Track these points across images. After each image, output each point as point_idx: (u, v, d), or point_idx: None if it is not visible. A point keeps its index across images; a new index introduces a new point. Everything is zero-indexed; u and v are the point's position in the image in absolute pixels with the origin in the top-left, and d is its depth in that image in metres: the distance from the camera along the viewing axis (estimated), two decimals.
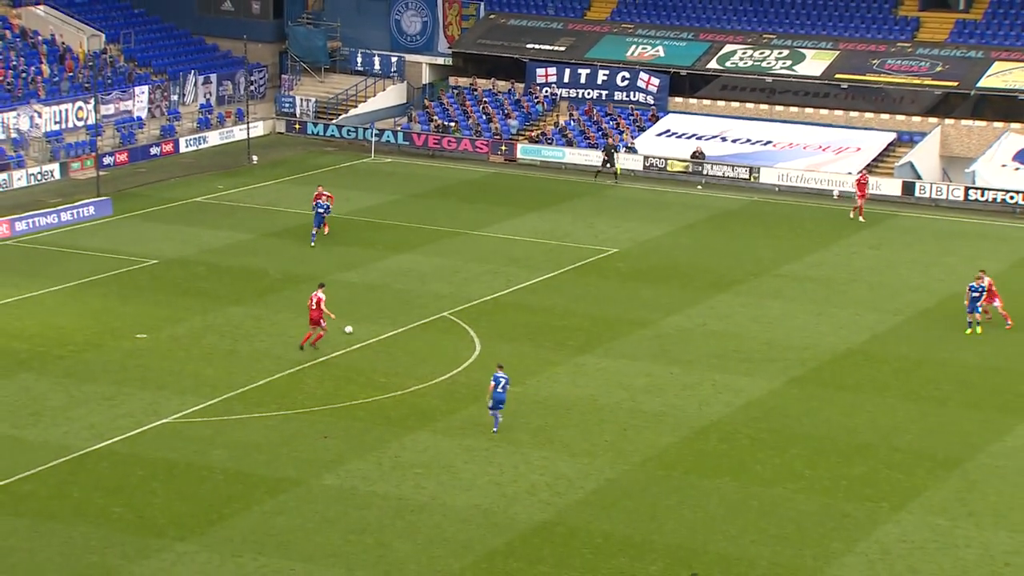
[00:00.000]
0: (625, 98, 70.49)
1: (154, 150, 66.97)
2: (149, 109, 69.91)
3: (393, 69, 75.68)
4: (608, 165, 63.95)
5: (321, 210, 52.32)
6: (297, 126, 72.70)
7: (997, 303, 43.18)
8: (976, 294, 42.26)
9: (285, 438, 34.80)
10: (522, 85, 72.60)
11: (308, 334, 40.89)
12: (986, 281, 42.93)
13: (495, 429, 34.97)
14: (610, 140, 66.54)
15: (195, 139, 69.07)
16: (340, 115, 73.39)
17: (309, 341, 40.81)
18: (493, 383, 34.95)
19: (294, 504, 31.20)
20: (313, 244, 51.38)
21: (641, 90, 70.20)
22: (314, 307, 40.70)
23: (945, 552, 28.89)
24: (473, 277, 48.17)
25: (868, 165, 63.23)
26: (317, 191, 53.29)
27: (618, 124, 69.10)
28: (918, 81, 65.55)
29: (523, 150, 67.96)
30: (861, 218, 56.56)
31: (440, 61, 75.68)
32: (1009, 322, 43.01)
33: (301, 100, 74.26)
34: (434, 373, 39.17)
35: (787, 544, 29.41)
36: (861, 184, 57.21)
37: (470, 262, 50.21)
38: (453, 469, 33.05)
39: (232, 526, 30.20)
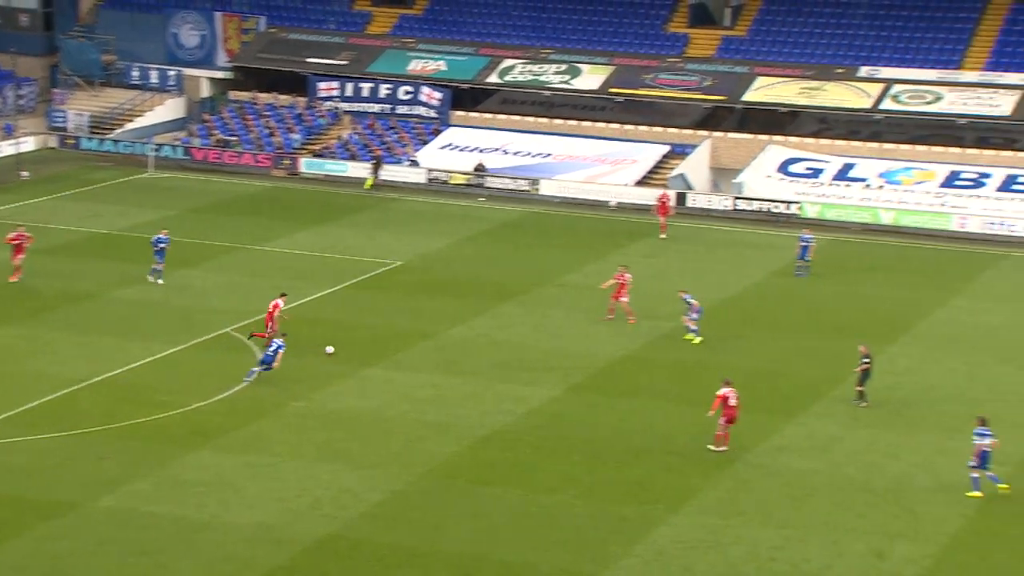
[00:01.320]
0: (408, 112, 70.74)
1: None
2: None
3: (171, 83, 74.23)
4: (375, 177, 64.12)
5: (163, 245, 48.18)
6: (70, 141, 70.61)
7: (624, 299, 44.82)
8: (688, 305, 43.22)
9: (60, 461, 33.71)
10: (304, 99, 72.12)
11: (263, 333, 41.32)
12: (626, 277, 44.83)
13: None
14: (377, 152, 66.60)
15: None
16: (116, 129, 71.58)
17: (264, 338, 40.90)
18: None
19: (70, 528, 30.25)
20: (161, 281, 48.08)
21: (423, 104, 70.54)
22: (277, 314, 41.20)
23: (716, 550, 29.85)
24: (256, 292, 47.55)
25: (643, 177, 64.91)
26: (16, 233, 47.89)
27: (401, 138, 69.27)
28: (688, 95, 67.65)
29: (306, 164, 67.51)
30: (663, 235, 56.72)
31: (220, 75, 74.59)
32: (631, 319, 44.88)
33: (74, 115, 72.13)
34: (216, 390, 38.53)
35: (567, 549, 29.94)
36: (663, 203, 57.46)
37: (252, 277, 49.58)
38: (236, 487, 32.57)
39: (4, 551, 29.08)
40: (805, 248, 50.87)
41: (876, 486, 32.90)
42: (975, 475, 32.51)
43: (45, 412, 36.71)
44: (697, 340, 42.97)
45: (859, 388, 37.96)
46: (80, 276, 48.90)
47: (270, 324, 41.67)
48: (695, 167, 65.60)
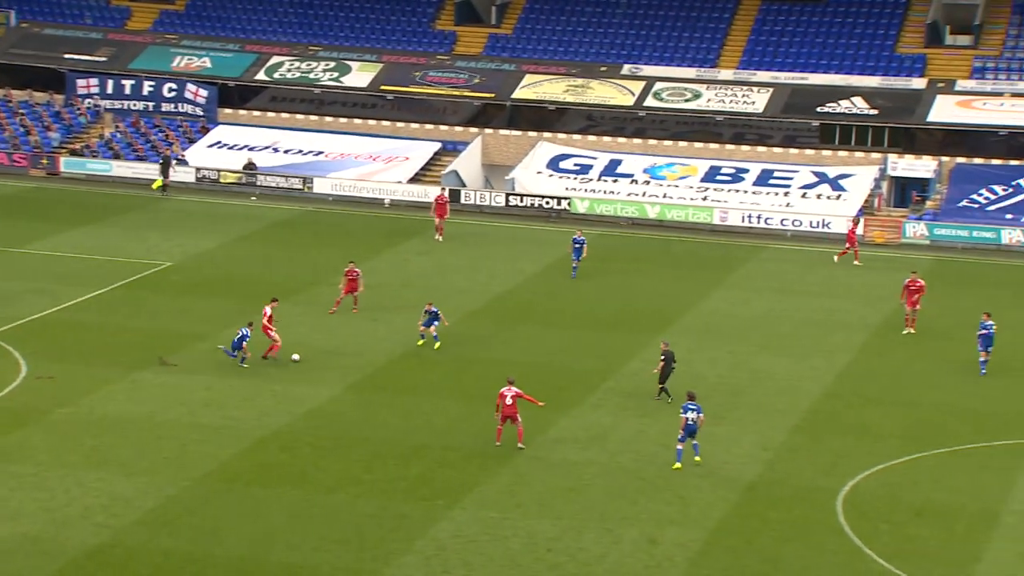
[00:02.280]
0: (173, 109, 69.17)
1: None
2: None
3: None
4: (164, 177, 62.56)
5: None
6: None
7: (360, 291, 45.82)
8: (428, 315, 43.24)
9: None
10: (62, 96, 69.69)
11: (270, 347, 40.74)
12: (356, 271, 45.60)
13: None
14: (166, 152, 64.93)
15: None
16: None
17: (271, 353, 40.67)
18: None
19: None
20: None
21: (189, 101, 69.07)
22: (265, 322, 40.62)
23: (495, 543, 30.19)
24: (16, 296, 45.76)
25: (416, 174, 65.10)
26: None
27: (167, 136, 67.66)
28: (458, 93, 68.15)
29: (66, 163, 65.31)
30: (439, 237, 56.07)
31: None
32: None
33: None
34: None
35: (348, 548, 29.82)
36: (440, 204, 56.81)
37: (12, 280, 47.70)
38: None
39: None
40: (578, 249, 51.26)
41: (647, 474, 33.83)
42: (680, 447, 34.00)
43: None
44: (437, 345, 42.73)
45: (660, 385, 38.24)
46: None
47: (270, 334, 41.02)
48: (467, 164, 66.16)
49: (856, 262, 54.20)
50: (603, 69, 68.33)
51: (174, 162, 63.72)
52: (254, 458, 34.40)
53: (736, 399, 38.59)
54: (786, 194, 61.94)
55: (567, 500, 32.35)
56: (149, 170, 64.49)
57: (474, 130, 67.67)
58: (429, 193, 62.99)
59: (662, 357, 38.45)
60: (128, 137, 67.55)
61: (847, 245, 55.05)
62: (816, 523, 31.25)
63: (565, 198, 62.77)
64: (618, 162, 64.84)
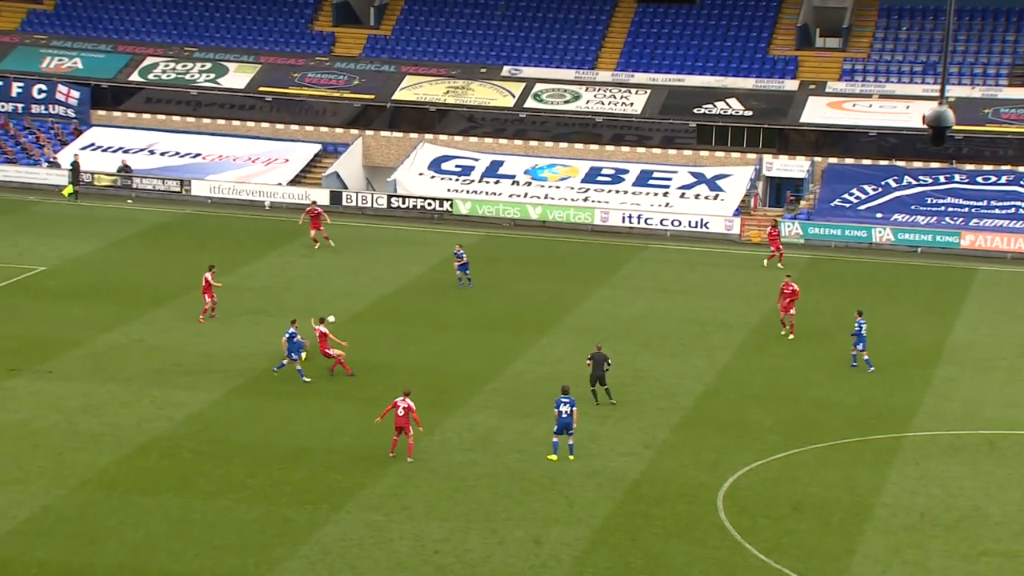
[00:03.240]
0: (44, 111, 67.72)
1: None
2: None
3: None
4: (74, 183, 61.05)
5: None
6: None
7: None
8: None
9: None
10: None
11: (333, 364, 40.44)
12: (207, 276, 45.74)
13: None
14: (76, 157, 63.21)
15: None
16: None
17: (338, 368, 40.40)
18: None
19: None
20: None
21: (61, 103, 67.69)
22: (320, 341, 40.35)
23: (381, 546, 30.08)
24: None
25: (296, 176, 64.59)
26: None
27: (38, 138, 66.19)
28: (338, 94, 67.77)
29: None
30: (316, 245, 54.87)
31: None
32: None
33: None
34: None
35: (231, 554, 29.47)
36: (314, 216, 55.14)
37: None
38: None
39: None
40: (463, 265, 50.06)
41: (532, 474, 33.99)
42: (555, 440, 34.65)
43: None
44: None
45: (592, 388, 38.09)
46: None
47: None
48: (348, 166, 65.84)
49: (780, 265, 54.36)
50: (483, 71, 68.51)
51: (69, 168, 62.15)
52: (133, 464, 33.84)
53: (619, 397, 38.95)
54: (665, 194, 62.73)
55: (453, 502, 32.36)
56: (20, 173, 63.01)
57: (355, 132, 67.38)
58: (310, 195, 62.58)
59: (589, 359, 38.37)
60: None
61: (772, 249, 55.28)
62: (698, 519, 31.70)
63: (448, 199, 62.80)
64: (500, 163, 65.06)
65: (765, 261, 55.14)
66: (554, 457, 34.55)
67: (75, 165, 62.47)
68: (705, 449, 35.88)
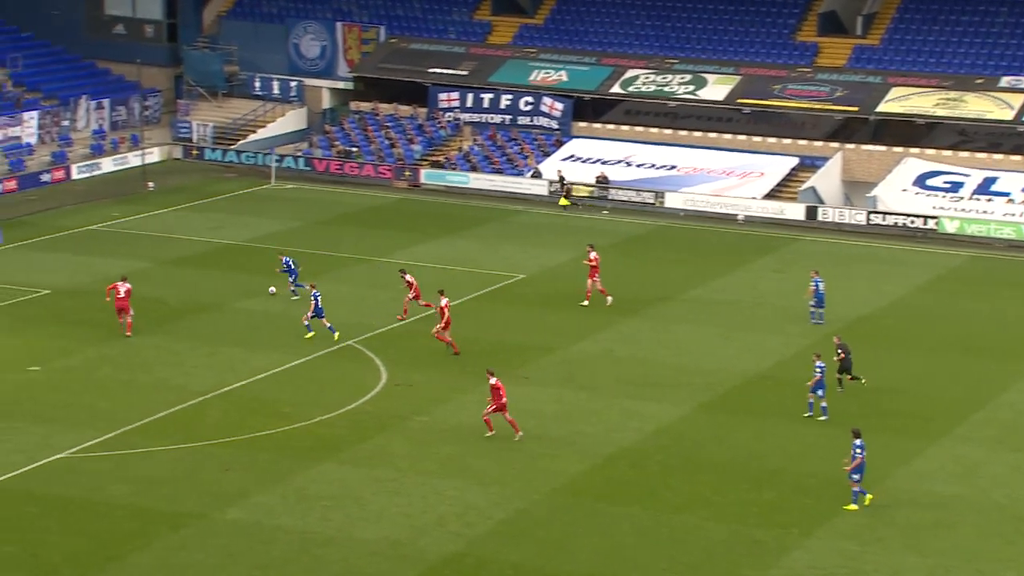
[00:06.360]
0: (529, 123, 70.89)
1: (45, 177, 65.84)
2: (39, 135, 68.80)
3: (292, 94, 75.36)
4: (565, 195, 63.92)
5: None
6: (195, 152, 71.99)
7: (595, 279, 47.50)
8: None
9: (187, 471, 34.29)
10: (425, 110, 72.66)
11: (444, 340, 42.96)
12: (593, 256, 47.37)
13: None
14: (560, 172, 66.22)
15: (88, 165, 68.08)
16: (239, 140, 72.83)
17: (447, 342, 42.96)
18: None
19: (196, 539, 30.73)
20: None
21: (545, 115, 70.63)
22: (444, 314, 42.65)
23: None
24: (378, 305, 47.98)
25: (771, 190, 64.22)
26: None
27: (522, 149, 69.44)
28: (819, 106, 66.77)
29: (427, 175, 67.98)
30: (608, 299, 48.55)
31: (340, 85, 75.54)
32: (609, 298, 47.45)
33: (198, 125, 73.59)
34: (340, 403, 38.91)
35: (697, 572, 29.60)
36: (593, 267, 48.30)
37: (374, 289, 50.00)
38: (361, 501, 32.80)
39: (131, 563, 29.67)
40: (820, 295, 46.63)
41: None
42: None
43: (172, 422, 37.40)
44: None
45: (838, 376, 39.35)
46: (204, 287, 49.81)
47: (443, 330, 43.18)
48: (826, 180, 64.70)
49: None
50: (979, 81, 65.37)
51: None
52: (602, 474, 34.71)
53: None
54: None
55: (933, 536, 31.02)
56: (505, 183, 66.35)
57: (834, 145, 66.13)
58: (784, 210, 62.05)
59: (839, 351, 39.26)
60: (485, 150, 69.73)
61: None
62: None
63: (932, 217, 60.38)
64: (993, 180, 61.86)
65: None
66: (854, 507, 32.42)
67: (561, 179, 64.99)
68: None
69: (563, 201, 64.17)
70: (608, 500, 33.12)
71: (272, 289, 47.23)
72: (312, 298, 43.96)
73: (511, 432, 36.91)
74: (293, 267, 48.47)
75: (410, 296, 46.12)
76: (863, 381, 39.52)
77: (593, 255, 48.39)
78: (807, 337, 44.46)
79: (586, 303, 48.06)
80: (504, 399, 36.66)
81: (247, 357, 42.39)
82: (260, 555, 30.10)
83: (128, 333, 43.80)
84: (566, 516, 32.26)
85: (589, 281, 48.27)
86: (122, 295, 43.66)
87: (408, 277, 46.35)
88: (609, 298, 48.03)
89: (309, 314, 44.00)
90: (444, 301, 43.25)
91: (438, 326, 43.19)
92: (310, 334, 44.06)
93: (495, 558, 30.23)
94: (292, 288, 48.25)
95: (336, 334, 43.88)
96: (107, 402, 38.60)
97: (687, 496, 33.39)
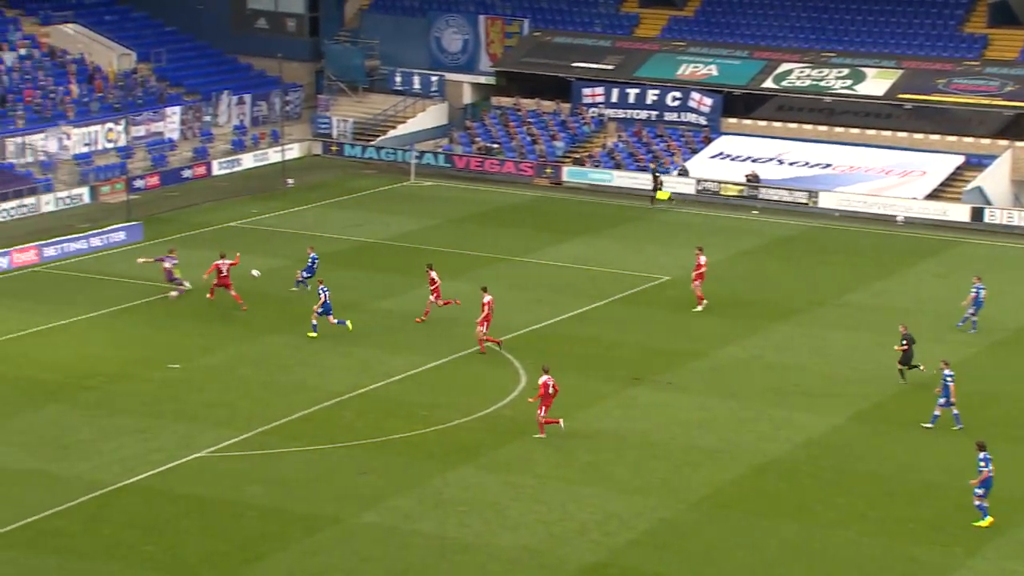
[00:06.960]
0: (676, 119, 70.48)
1: (186, 173, 67.50)
2: (181, 130, 70.55)
3: (433, 88, 76.05)
4: (654, 189, 63.95)
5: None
6: (334, 148, 73.11)
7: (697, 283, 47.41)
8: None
9: (323, 473, 34.83)
10: (568, 105, 72.71)
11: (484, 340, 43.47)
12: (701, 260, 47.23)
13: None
14: (654, 164, 66.20)
15: (229, 161, 69.60)
16: (379, 136, 73.71)
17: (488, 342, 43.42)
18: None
19: (332, 543, 31.19)
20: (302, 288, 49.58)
21: (693, 110, 70.16)
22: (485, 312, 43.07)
23: None
24: (517, 306, 48.14)
25: (934, 190, 62.89)
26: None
27: (669, 146, 69.05)
28: (987, 101, 65.20)
29: (569, 173, 68.03)
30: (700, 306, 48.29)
31: (482, 80, 76.01)
32: None
33: (338, 121, 74.70)
34: (478, 406, 39.15)
35: None
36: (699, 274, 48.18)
37: (513, 290, 50.18)
38: (499, 507, 32.96)
39: (268, 565, 30.22)
40: (979, 303, 45.38)
41: None
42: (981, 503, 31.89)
43: (309, 423, 38.01)
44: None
45: (900, 367, 40.47)
46: (343, 285, 50.41)
47: (480, 332, 43.13)
48: (994, 180, 63.15)
49: None
50: None
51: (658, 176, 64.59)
52: (751, 485, 34.36)
53: None
54: None
55: None
56: (651, 181, 66.05)
57: (1003, 143, 64.49)
58: (948, 211, 60.71)
59: (903, 341, 40.15)
60: (630, 147, 69.51)
61: None
62: None
63: None
64: None
65: None
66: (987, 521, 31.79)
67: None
68: None
69: (661, 195, 63.54)
70: (756, 513, 32.77)
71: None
72: (320, 292, 44.43)
73: (641, 439, 36.71)
74: (312, 264, 48.95)
75: (431, 299, 45.87)
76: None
77: (702, 259, 47.56)
78: (971, 346, 43.42)
79: (699, 308, 47.36)
80: (546, 395, 36.36)
81: (384, 358, 42.87)
82: (396, 560, 30.43)
83: (243, 306, 46.81)
84: (712, 528, 32.00)
85: (694, 284, 47.55)
86: (224, 273, 46.58)
87: (433, 274, 46.14)
88: (701, 305, 47.27)
89: (318, 310, 44.35)
90: (487, 298, 43.15)
91: (480, 319, 43.07)
92: (313, 334, 44.30)
93: (637, 569, 30.13)
94: (301, 279, 48.92)
95: (348, 324, 44.45)
96: (246, 401, 39.40)
97: (840, 510, 32.87)
